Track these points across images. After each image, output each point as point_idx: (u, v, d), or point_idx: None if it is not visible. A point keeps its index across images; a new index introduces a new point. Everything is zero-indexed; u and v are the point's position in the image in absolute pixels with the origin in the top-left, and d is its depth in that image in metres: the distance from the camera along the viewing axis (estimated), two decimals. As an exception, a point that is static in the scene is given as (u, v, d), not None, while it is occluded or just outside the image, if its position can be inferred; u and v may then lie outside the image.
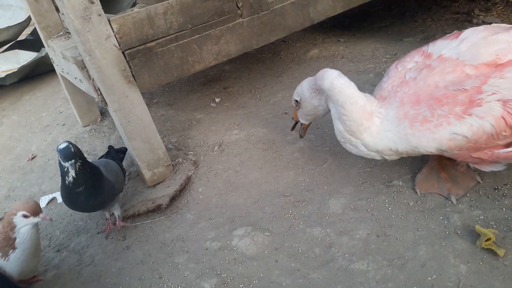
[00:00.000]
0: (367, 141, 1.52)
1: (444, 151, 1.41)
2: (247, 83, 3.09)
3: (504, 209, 1.53)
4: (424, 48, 1.61)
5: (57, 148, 1.65)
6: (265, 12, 2.27)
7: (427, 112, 1.40)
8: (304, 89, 1.70)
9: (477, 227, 1.44)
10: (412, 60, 1.60)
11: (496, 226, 1.48)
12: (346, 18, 3.92)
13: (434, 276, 1.38)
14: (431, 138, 1.40)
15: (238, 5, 2.16)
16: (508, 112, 1.29)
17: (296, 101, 1.76)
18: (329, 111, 1.66)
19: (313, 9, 2.46)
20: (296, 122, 1.91)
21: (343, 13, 2.65)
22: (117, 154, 2.14)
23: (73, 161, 1.62)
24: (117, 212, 1.93)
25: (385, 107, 1.52)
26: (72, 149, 1.62)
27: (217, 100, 2.93)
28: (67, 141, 1.65)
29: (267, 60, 3.41)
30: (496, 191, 1.62)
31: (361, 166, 1.93)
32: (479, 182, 1.66)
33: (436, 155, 1.77)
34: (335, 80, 1.52)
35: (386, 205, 1.69)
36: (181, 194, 2.09)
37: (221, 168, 2.21)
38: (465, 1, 3.54)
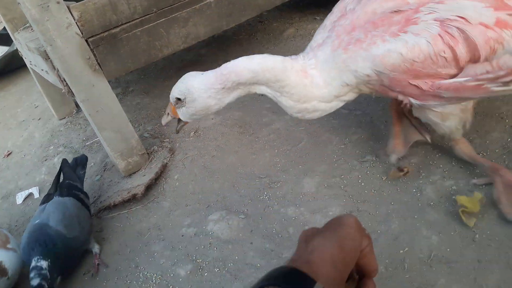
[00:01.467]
0: (322, 95, 1.42)
1: (381, 72, 1.32)
2: (224, 66, 3.04)
3: (475, 178, 1.53)
4: None
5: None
6: (233, -9, 2.21)
7: (361, 35, 1.32)
8: (193, 88, 1.40)
9: (458, 197, 1.42)
10: None
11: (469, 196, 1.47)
12: (323, -5, 3.87)
13: (406, 248, 1.37)
14: (365, 56, 1.31)
15: (204, -15, 2.10)
16: (446, 31, 1.22)
17: (178, 99, 1.46)
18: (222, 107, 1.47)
19: (284, -13, 2.41)
20: (179, 120, 1.59)
21: (315, -11, 2.60)
22: (74, 173, 1.97)
23: None
24: (94, 249, 1.75)
25: (320, 49, 1.42)
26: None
27: (193, 85, 2.88)
28: (37, 275, 1.44)
29: (244, 41, 3.36)
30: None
31: (336, 143, 1.92)
32: (427, 141, 1.62)
33: (393, 110, 1.71)
34: (250, 66, 1.35)
35: (359, 181, 1.67)
36: (157, 182, 2.06)
37: (197, 154, 2.18)
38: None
